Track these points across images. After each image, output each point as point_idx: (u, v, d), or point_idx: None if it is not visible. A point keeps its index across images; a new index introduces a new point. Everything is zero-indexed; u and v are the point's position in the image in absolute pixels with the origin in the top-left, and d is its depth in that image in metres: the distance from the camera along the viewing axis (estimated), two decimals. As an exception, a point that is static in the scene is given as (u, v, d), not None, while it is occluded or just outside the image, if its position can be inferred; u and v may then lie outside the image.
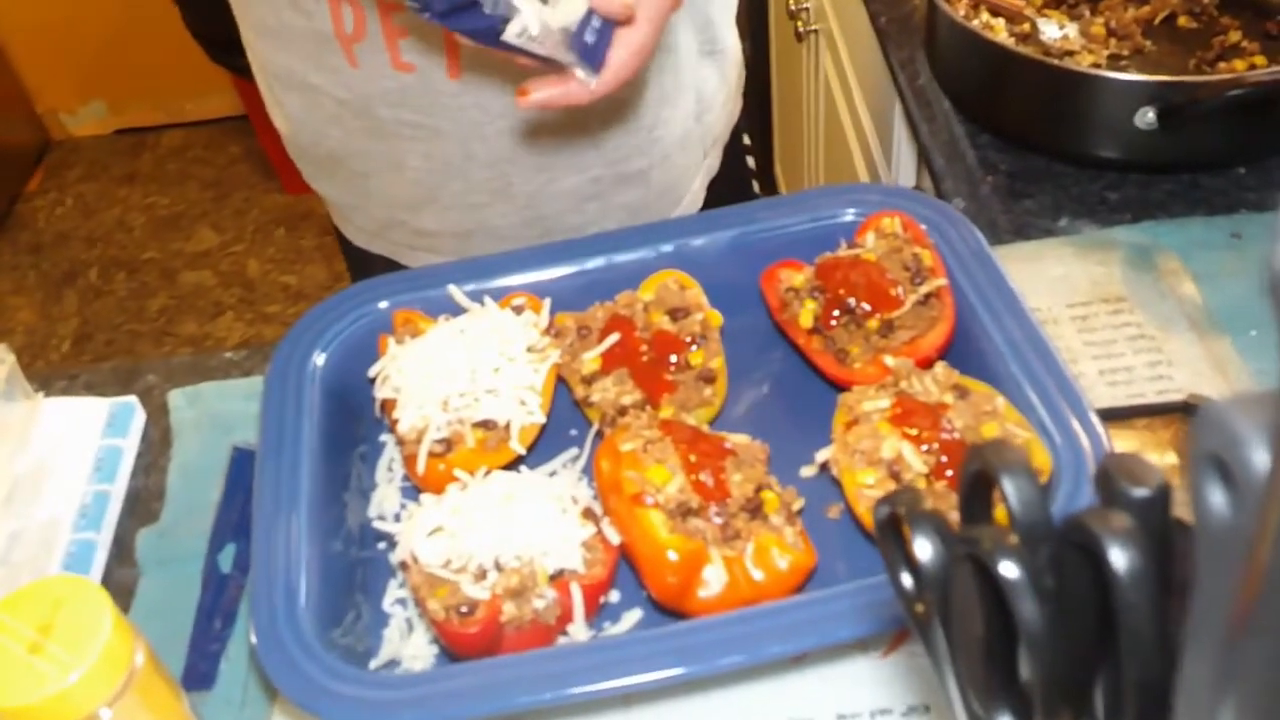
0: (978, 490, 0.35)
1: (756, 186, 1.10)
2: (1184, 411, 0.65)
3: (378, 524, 0.66)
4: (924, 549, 0.33)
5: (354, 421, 0.71)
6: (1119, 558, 0.28)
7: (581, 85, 0.65)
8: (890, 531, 0.36)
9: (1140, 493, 0.30)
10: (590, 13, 0.63)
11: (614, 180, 0.87)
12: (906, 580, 0.36)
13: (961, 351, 0.66)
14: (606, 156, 0.85)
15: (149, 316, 2.44)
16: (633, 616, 0.62)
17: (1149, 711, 0.28)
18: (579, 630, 0.59)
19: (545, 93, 0.65)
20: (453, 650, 0.58)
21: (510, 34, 0.61)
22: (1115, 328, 0.74)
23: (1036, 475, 0.32)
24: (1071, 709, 0.30)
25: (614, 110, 0.83)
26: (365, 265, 0.97)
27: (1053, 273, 0.77)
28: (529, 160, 0.84)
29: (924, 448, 0.59)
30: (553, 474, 0.68)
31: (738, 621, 0.56)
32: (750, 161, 1.04)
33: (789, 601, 0.58)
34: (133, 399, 0.77)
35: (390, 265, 0.94)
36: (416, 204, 0.88)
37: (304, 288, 2.47)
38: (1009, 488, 0.32)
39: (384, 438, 0.72)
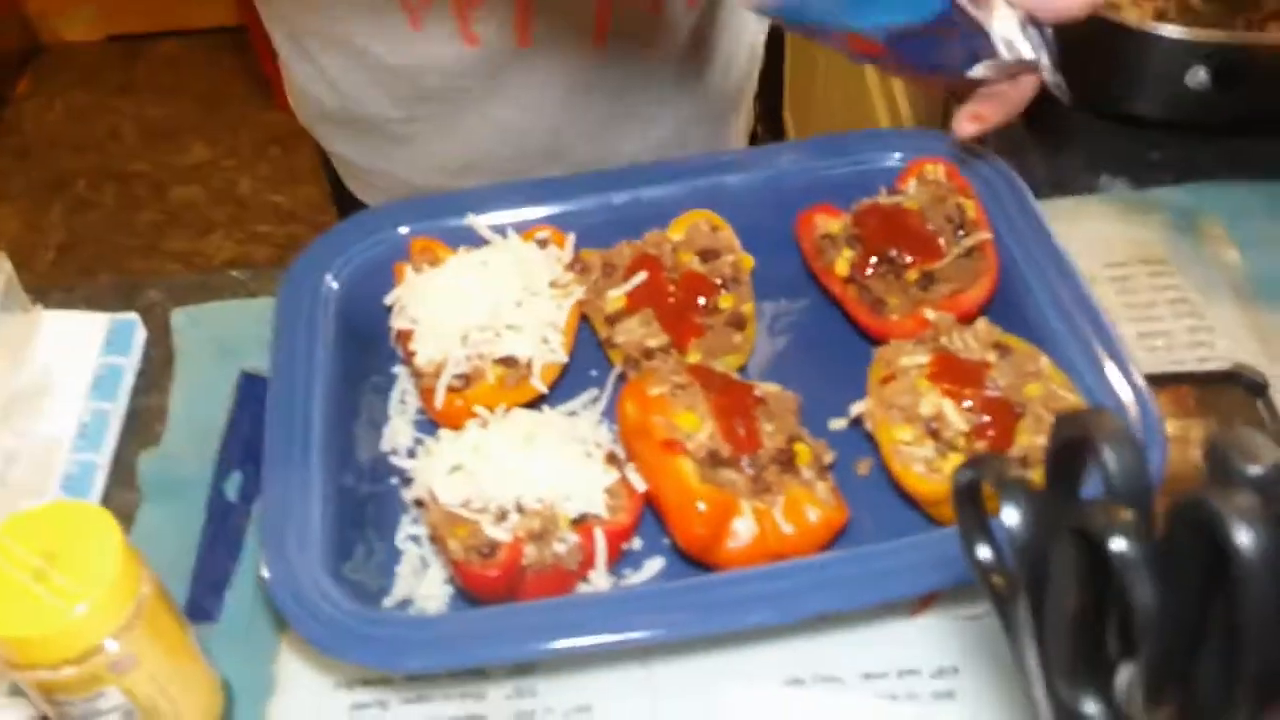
0: (1066, 459, 0.33)
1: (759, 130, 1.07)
2: (1229, 381, 0.63)
3: (392, 458, 0.63)
4: (1014, 518, 0.31)
5: (366, 351, 0.69)
6: (1244, 538, 0.26)
7: (1026, 84, 0.59)
8: (969, 499, 0.34)
9: (1256, 470, 0.28)
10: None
11: (675, 143, 0.84)
12: (983, 551, 0.34)
13: (1004, 308, 0.63)
14: (666, 124, 0.82)
15: (138, 230, 2.39)
16: (654, 565, 0.60)
17: (1266, 699, 0.26)
18: (600, 577, 0.58)
19: (991, 113, 0.61)
20: (471, 591, 0.56)
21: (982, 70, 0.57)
22: (1155, 290, 0.72)
23: (1140, 446, 0.30)
24: (1174, 694, 0.29)
25: (684, 73, 0.79)
26: None
27: (1092, 232, 0.75)
28: (589, 126, 0.80)
29: (965, 405, 0.57)
30: (572, 414, 0.65)
31: (768, 577, 0.54)
32: (784, 113, 1.01)
33: (821, 559, 0.56)
34: (134, 316, 0.74)
35: None
36: (461, 170, 0.84)
37: (296, 208, 2.42)
38: (1111, 459, 0.30)
39: (397, 369, 0.69)
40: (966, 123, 0.61)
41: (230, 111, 2.63)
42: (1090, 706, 0.31)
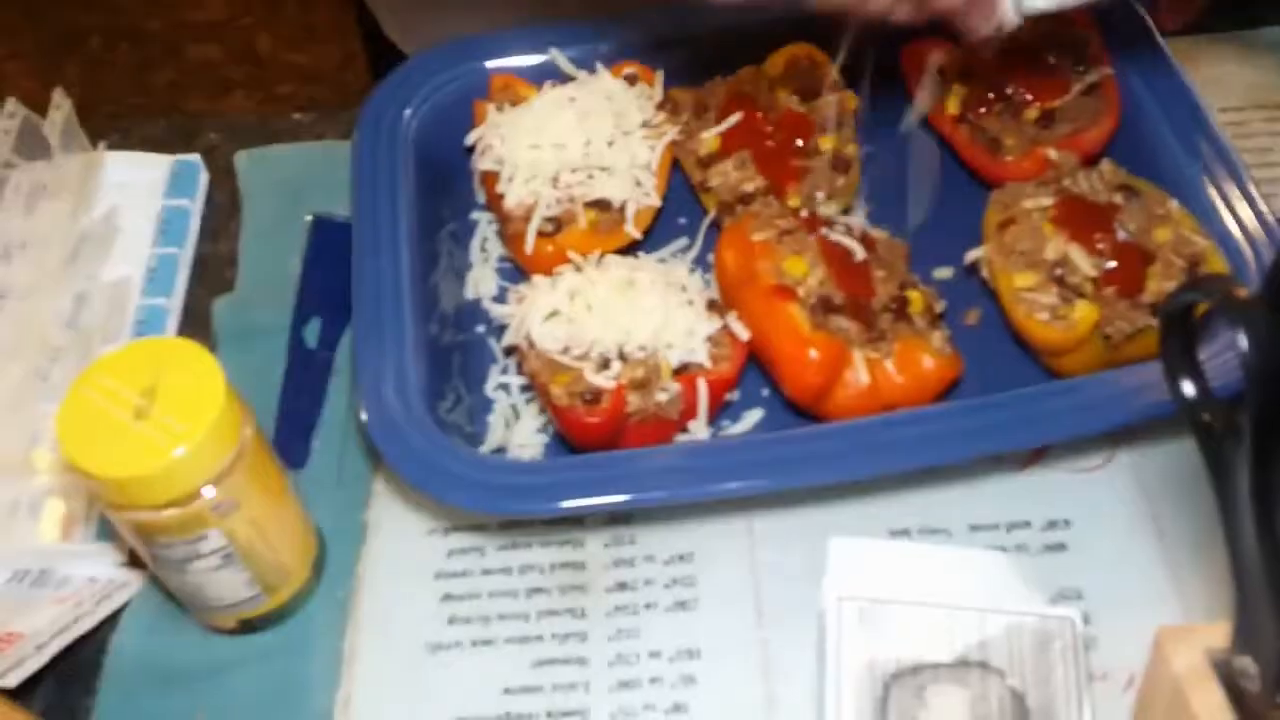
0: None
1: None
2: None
3: (485, 305, 0.61)
4: (1249, 341, 0.28)
5: (445, 194, 0.65)
6: None
7: None
8: (1178, 328, 0.31)
9: None
10: None
11: None
12: (1188, 387, 0.32)
13: (1127, 149, 0.60)
14: None
15: (155, 91, 2.32)
16: (753, 416, 0.58)
17: None
18: (700, 427, 0.56)
19: None
20: (573, 438, 0.54)
21: None
22: (1271, 135, 0.68)
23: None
24: None
25: None
26: None
27: (1205, 74, 0.70)
28: None
29: (1096, 249, 0.54)
30: (662, 262, 0.62)
31: (878, 428, 0.53)
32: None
33: (932, 409, 0.54)
34: (196, 157, 0.71)
35: None
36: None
37: (318, 68, 2.34)
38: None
39: (475, 215, 0.66)
40: None
41: (246, -35, 2.53)
42: (1315, 544, 0.29)
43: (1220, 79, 0.71)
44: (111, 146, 0.72)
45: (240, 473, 0.47)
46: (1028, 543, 0.54)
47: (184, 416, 0.45)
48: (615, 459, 0.53)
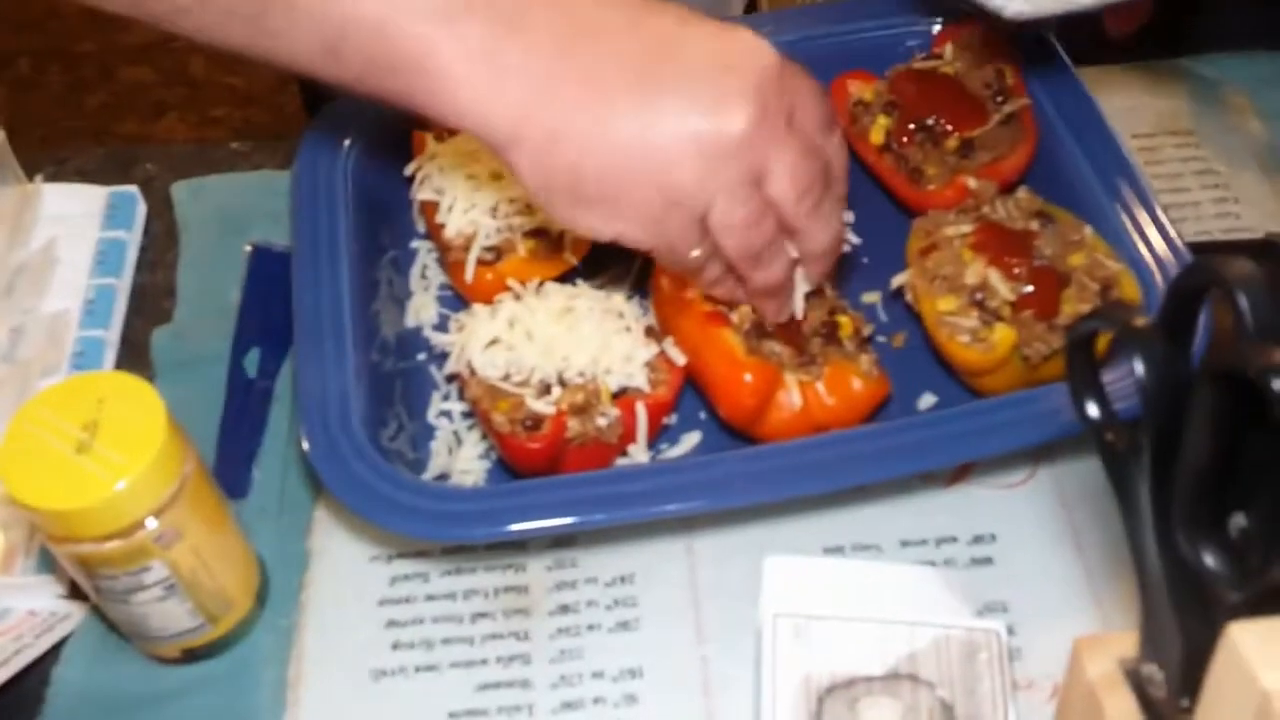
0: (1185, 308, 0.32)
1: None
2: (1262, 250, 0.63)
3: (426, 333, 0.62)
4: (1144, 367, 0.30)
5: (384, 223, 0.66)
6: None
7: None
8: (1082, 354, 0.33)
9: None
10: None
11: None
12: (1092, 408, 0.34)
13: (1043, 176, 0.63)
14: None
15: (87, 112, 2.29)
16: (691, 439, 0.59)
17: None
18: (640, 451, 0.57)
19: None
20: (515, 464, 0.55)
21: None
22: (1181, 161, 0.71)
23: (1276, 289, 0.29)
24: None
25: None
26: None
27: (1118, 103, 0.74)
28: None
29: (1013, 274, 0.56)
30: (601, 288, 0.64)
31: (812, 448, 0.54)
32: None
33: (863, 430, 0.56)
34: (133, 188, 0.71)
35: None
36: None
37: (253, 90, 2.33)
38: (1246, 302, 0.29)
39: (416, 243, 0.67)
40: None
41: (179, -13, 2.51)
42: (1210, 559, 0.31)
43: (1132, 107, 0.74)
44: (47, 178, 0.72)
45: (183, 504, 0.47)
46: (955, 557, 0.56)
47: (126, 450, 0.45)
48: (555, 484, 0.54)
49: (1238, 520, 0.32)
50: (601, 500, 0.51)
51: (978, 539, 0.57)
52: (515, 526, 0.51)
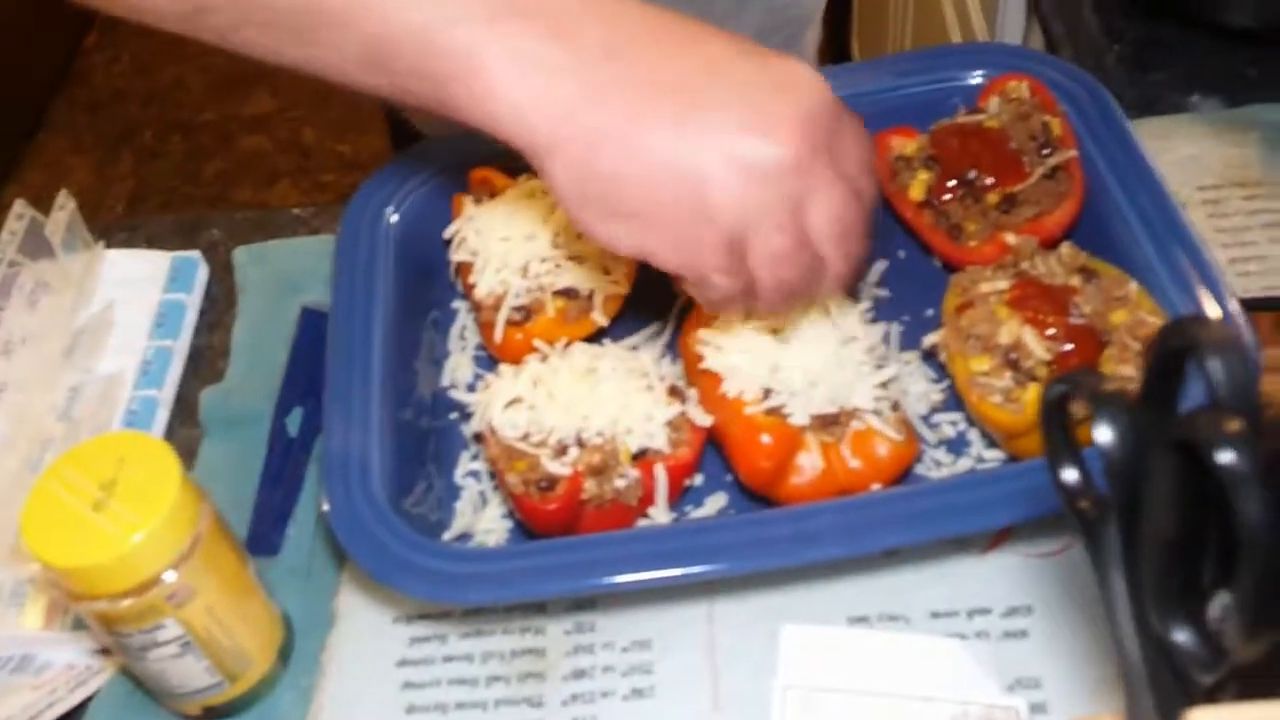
0: (1167, 371, 0.30)
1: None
2: (1329, 307, 0.59)
3: (452, 393, 0.62)
4: (1108, 434, 0.28)
5: (427, 285, 0.67)
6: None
7: None
8: (1057, 417, 0.32)
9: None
10: None
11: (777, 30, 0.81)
12: (1069, 474, 0.32)
13: (1090, 231, 0.60)
14: (743, 30, 0.79)
15: (205, 180, 2.41)
16: (717, 501, 0.58)
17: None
18: (660, 513, 0.56)
19: None
20: (530, 526, 0.55)
21: None
22: (1249, 214, 0.68)
23: (1250, 356, 0.27)
24: (1275, 622, 0.26)
25: None
26: None
27: (1183, 152, 0.71)
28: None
29: (1047, 333, 0.54)
30: (634, 348, 0.64)
31: (833, 511, 0.53)
32: (852, 40, 0.97)
33: (890, 492, 0.54)
34: (196, 253, 0.74)
35: None
36: None
37: (360, 157, 2.42)
38: (1219, 369, 0.27)
39: (457, 304, 0.68)
40: None
41: (294, 60, 2.63)
42: (1182, 635, 0.29)
43: (1198, 157, 0.71)
44: (119, 244, 0.76)
45: (197, 561, 0.48)
46: (988, 629, 0.53)
47: (139, 507, 0.46)
48: (571, 545, 0.53)
49: (1222, 599, 0.29)
50: (606, 562, 0.51)
51: (1013, 611, 0.54)
52: (524, 589, 0.51)
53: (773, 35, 0.83)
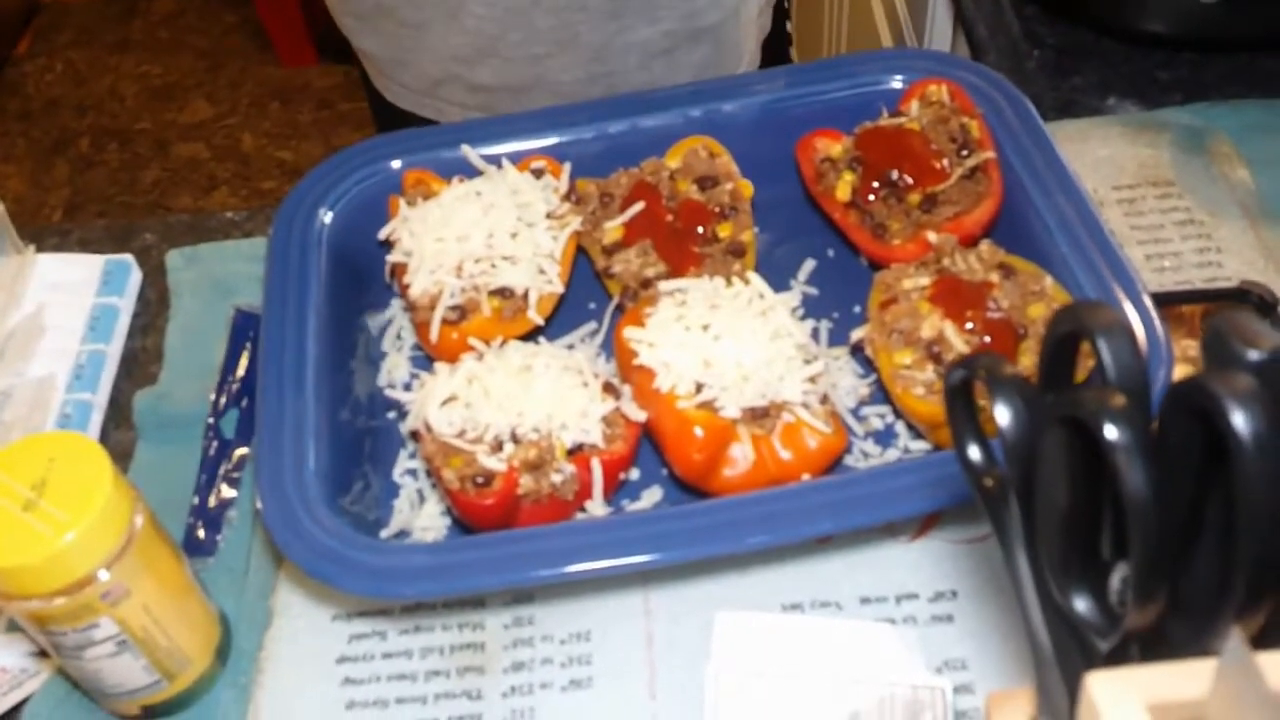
0: (1062, 355, 0.32)
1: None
2: (1237, 298, 0.61)
3: (389, 392, 0.63)
4: (1005, 414, 0.30)
5: (362, 286, 0.68)
6: (1242, 422, 0.25)
7: None
8: (960, 399, 0.33)
9: (1256, 355, 0.27)
10: None
11: (687, 35, 0.83)
12: (974, 452, 0.33)
13: (1008, 229, 0.62)
14: (680, 8, 0.81)
15: (142, 188, 2.38)
16: (653, 495, 0.59)
17: (1261, 590, 0.26)
18: (597, 506, 0.57)
19: None
20: (467, 521, 0.56)
21: None
22: (1163, 212, 0.70)
23: (1134, 336, 0.29)
24: (1165, 587, 0.28)
25: None
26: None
27: (1099, 154, 0.73)
28: (599, 7, 0.79)
29: (967, 327, 0.56)
30: (570, 347, 0.65)
31: (765, 501, 0.54)
32: (788, 25, 0.99)
33: (819, 482, 0.55)
34: (128, 257, 0.74)
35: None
36: (474, 56, 0.83)
37: (300, 164, 2.40)
38: (1106, 350, 0.29)
39: (392, 305, 0.69)
40: None
41: (230, 67, 2.61)
42: (1081, 604, 0.30)
43: (1114, 158, 0.73)
44: (52, 248, 0.75)
45: (131, 560, 0.48)
46: (915, 614, 0.55)
47: (70, 506, 0.46)
48: (508, 538, 0.54)
49: (1121, 570, 0.31)
50: (543, 555, 0.51)
51: (939, 595, 0.56)
52: (461, 583, 0.52)
53: (710, 11, 0.84)
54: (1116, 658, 0.30)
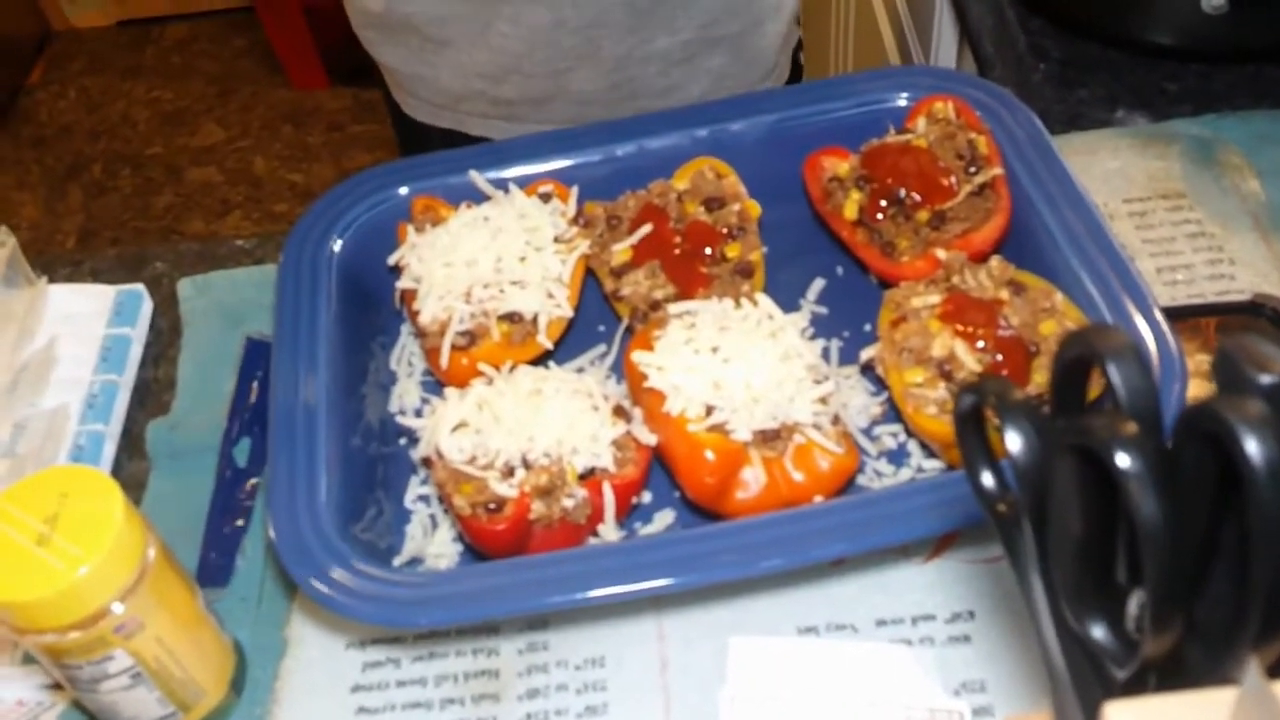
0: (1072, 379, 0.32)
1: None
2: (1250, 311, 0.61)
3: (400, 419, 0.63)
4: (1016, 441, 0.29)
5: (371, 312, 0.68)
6: (1255, 449, 0.24)
7: None
8: (971, 425, 0.33)
9: (1268, 379, 0.27)
10: None
11: (704, 44, 0.84)
12: (987, 478, 0.33)
13: (1018, 245, 0.62)
14: (699, 19, 0.82)
15: (155, 214, 2.40)
16: (665, 518, 0.59)
17: (1277, 619, 0.25)
18: (610, 530, 0.57)
19: None
20: (480, 548, 0.56)
21: None
22: (1174, 224, 0.70)
23: (1147, 362, 0.29)
24: (1181, 614, 0.27)
25: None
26: (422, 142, 0.92)
27: (1108, 166, 0.73)
28: (621, 22, 0.80)
29: (978, 345, 0.55)
30: (580, 370, 0.65)
31: (778, 524, 0.53)
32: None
33: (832, 504, 0.55)
34: (140, 287, 0.74)
35: (450, 142, 0.89)
36: (498, 73, 0.84)
37: (311, 186, 2.41)
38: (1116, 374, 0.28)
39: (402, 331, 0.69)
40: None
41: (241, 92, 2.63)
42: (1098, 632, 0.30)
43: (1123, 171, 0.73)
44: (64, 278, 0.76)
45: (144, 593, 0.48)
46: (932, 635, 0.55)
47: (83, 541, 0.46)
48: (520, 565, 0.54)
49: (1138, 596, 0.31)
50: (556, 581, 0.51)
51: (955, 616, 0.55)
52: (474, 610, 0.51)
53: (730, 18, 0.85)
54: (1134, 687, 0.30)
